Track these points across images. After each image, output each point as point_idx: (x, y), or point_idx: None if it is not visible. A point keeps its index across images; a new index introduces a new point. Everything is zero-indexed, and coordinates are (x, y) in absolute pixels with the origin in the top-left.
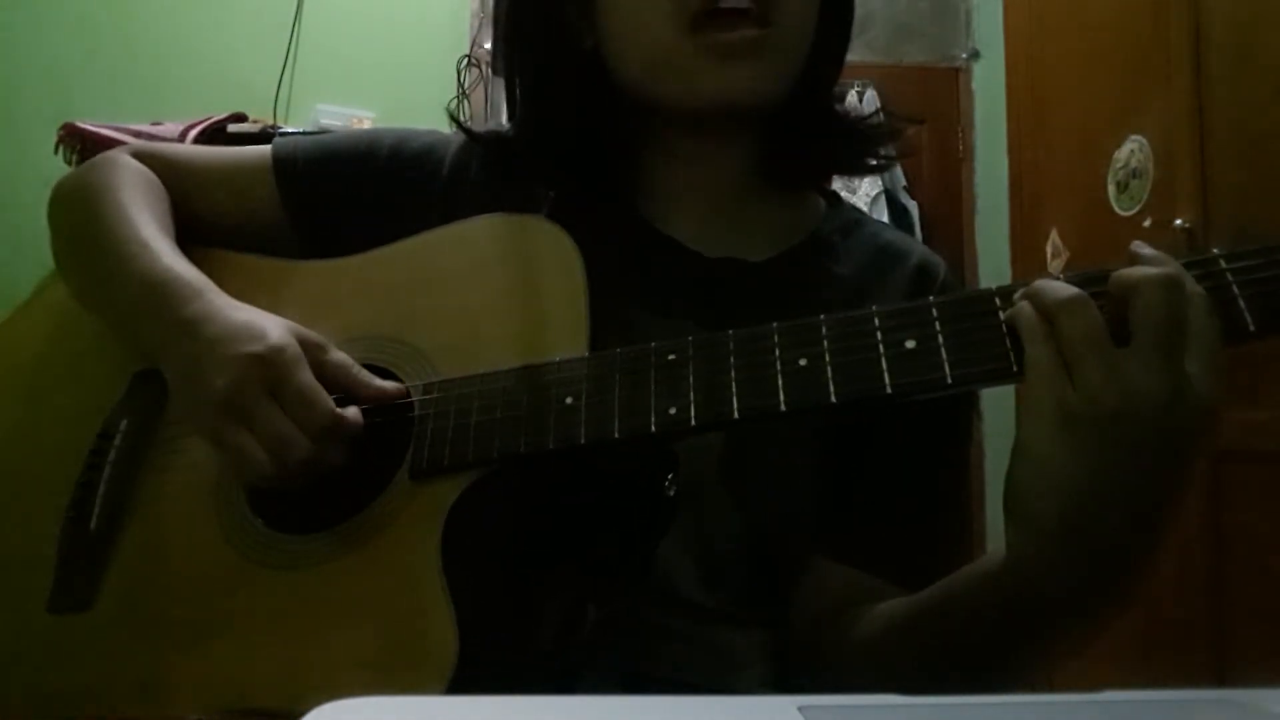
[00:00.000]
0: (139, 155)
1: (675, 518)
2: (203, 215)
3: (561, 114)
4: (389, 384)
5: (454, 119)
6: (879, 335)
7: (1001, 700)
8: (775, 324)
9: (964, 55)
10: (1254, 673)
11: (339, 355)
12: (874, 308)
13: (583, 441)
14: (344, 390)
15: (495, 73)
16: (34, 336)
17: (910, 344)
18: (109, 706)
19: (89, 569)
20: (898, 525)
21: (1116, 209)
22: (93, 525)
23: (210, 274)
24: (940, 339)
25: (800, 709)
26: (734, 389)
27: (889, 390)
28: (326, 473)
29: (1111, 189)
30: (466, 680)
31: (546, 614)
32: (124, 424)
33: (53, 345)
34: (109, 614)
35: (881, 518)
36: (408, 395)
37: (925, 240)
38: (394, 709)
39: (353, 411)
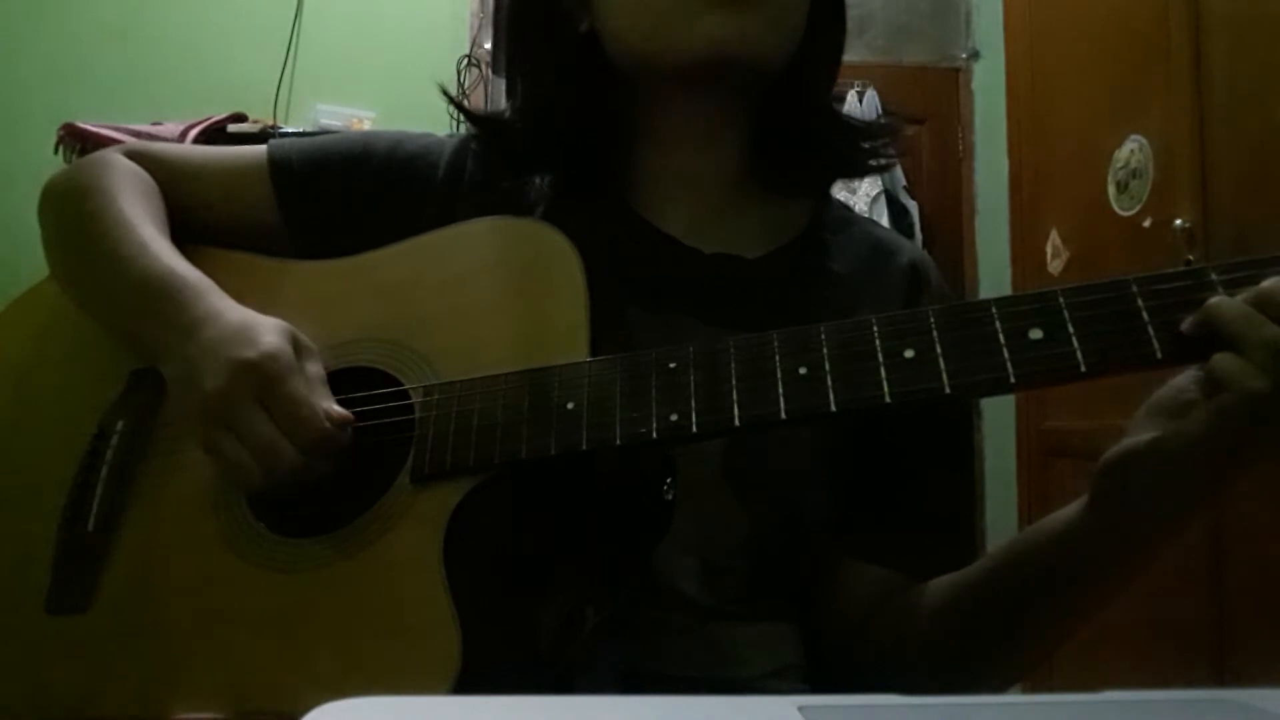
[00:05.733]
0: (131, 155)
1: (672, 522)
2: (196, 215)
3: (558, 97)
4: (336, 411)
5: (450, 99)
6: (878, 344)
7: (1002, 700)
8: (775, 332)
9: (964, 55)
10: (1254, 673)
11: (315, 369)
12: (873, 316)
13: (584, 447)
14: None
15: (495, 72)
16: (27, 333)
17: (909, 353)
18: (108, 708)
19: (87, 570)
20: (930, 525)
21: (1116, 209)
22: (90, 526)
23: (207, 273)
24: (939, 348)
25: (800, 709)
26: (735, 396)
27: (888, 400)
28: (316, 480)
29: (1111, 189)
30: (465, 683)
31: (544, 618)
32: (120, 424)
33: (46, 342)
34: (107, 615)
35: (914, 519)
36: (347, 427)
37: (925, 240)
38: (394, 709)
39: (345, 422)
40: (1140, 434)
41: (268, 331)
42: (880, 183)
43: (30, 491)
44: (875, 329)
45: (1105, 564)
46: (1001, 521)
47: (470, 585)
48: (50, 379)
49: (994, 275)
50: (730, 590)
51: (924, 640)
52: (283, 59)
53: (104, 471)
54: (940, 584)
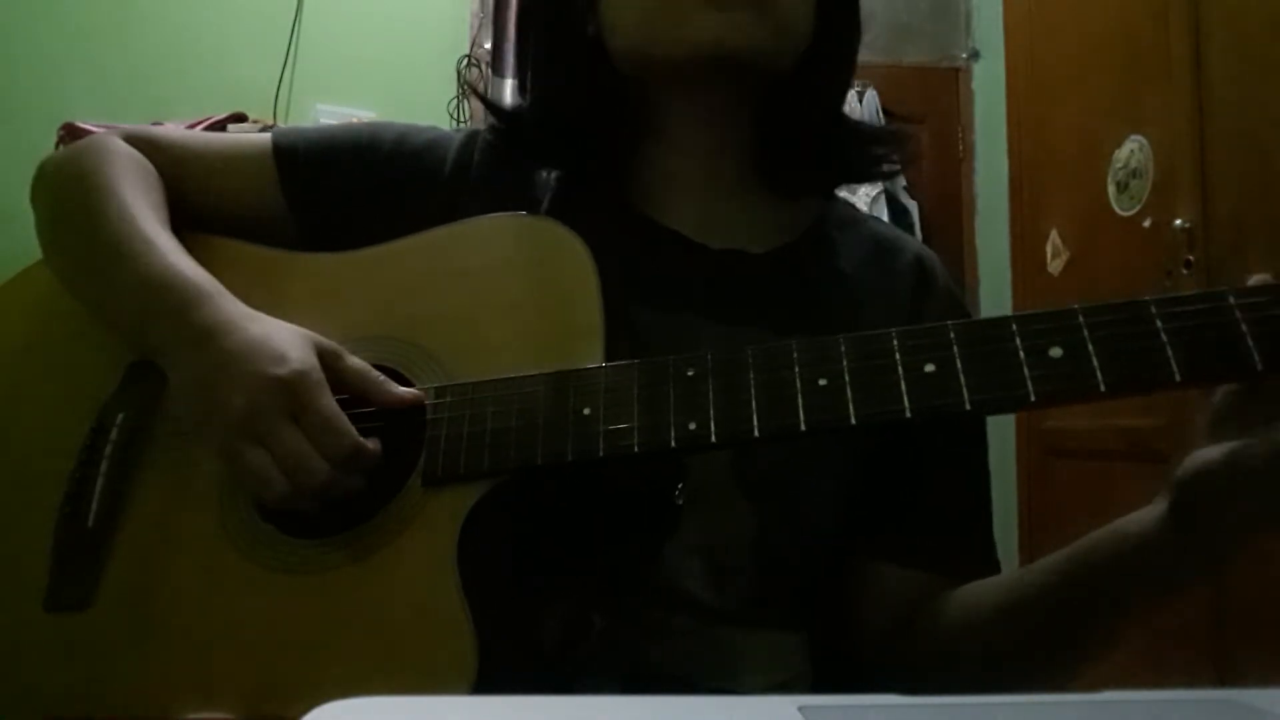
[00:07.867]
0: (131, 139)
1: (679, 526)
2: (196, 202)
3: (567, 95)
4: (407, 390)
5: (472, 89)
6: (898, 357)
7: (1002, 700)
8: (794, 341)
9: (964, 55)
10: (1254, 673)
11: (355, 361)
12: (892, 330)
13: (601, 454)
14: (361, 397)
15: (495, 72)
16: (16, 319)
17: (930, 368)
18: (108, 708)
19: (86, 567)
20: (957, 524)
21: (1116, 209)
22: (90, 522)
23: (210, 264)
24: (959, 363)
25: (800, 709)
26: (754, 407)
27: (908, 414)
28: (341, 497)
29: (1111, 189)
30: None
31: (551, 621)
32: (120, 418)
33: (38, 329)
34: (108, 613)
35: (941, 520)
36: (425, 401)
37: (925, 240)
38: (394, 709)
39: (372, 441)
40: (1213, 443)
41: (295, 345)
42: (880, 183)
43: (24, 485)
44: (895, 342)
45: (1184, 571)
46: (1001, 521)
47: (479, 588)
48: (42, 368)
49: (994, 275)
50: (737, 592)
51: (969, 648)
52: (283, 59)
53: (104, 466)
54: (985, 591)
